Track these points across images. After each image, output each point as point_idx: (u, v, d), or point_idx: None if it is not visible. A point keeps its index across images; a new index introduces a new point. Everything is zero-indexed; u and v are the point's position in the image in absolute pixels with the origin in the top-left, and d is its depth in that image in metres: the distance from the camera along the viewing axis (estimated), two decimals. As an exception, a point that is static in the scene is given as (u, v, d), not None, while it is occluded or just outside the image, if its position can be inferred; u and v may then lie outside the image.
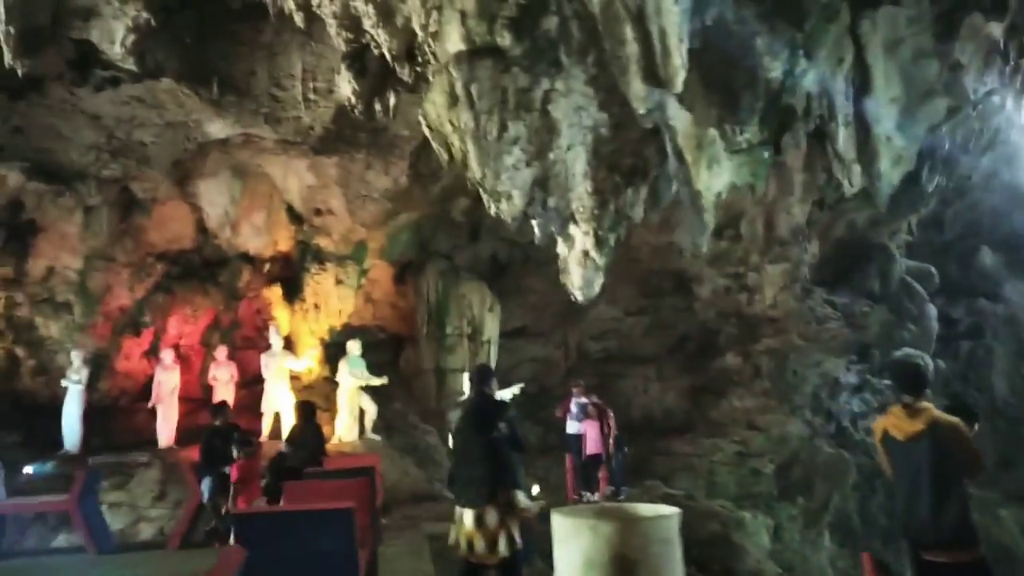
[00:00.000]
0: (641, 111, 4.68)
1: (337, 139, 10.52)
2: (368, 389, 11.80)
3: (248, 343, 12.70)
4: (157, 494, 9.79)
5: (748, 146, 5.07)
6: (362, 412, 11.75)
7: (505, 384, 11.55)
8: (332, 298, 12.34)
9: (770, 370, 16.08)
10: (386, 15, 6.87)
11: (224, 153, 10.88)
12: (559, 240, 6.15)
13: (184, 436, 11.17)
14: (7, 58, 7.14)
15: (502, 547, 3.64)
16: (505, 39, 4.92)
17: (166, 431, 10.98)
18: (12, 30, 6.99)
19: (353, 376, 11.56)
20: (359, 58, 8.13)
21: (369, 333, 13.85)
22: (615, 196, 5.87)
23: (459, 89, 5.07)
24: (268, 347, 12.20)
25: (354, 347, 11.75)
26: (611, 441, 9.28)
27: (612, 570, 3.12)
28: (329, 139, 10.38)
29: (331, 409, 12.50)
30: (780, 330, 16.50)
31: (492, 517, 3.68)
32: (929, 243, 18.82)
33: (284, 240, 12.11)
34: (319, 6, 7.25)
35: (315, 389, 12.45)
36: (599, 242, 5.91)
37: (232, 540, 3.85)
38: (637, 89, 4.50)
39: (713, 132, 4.96)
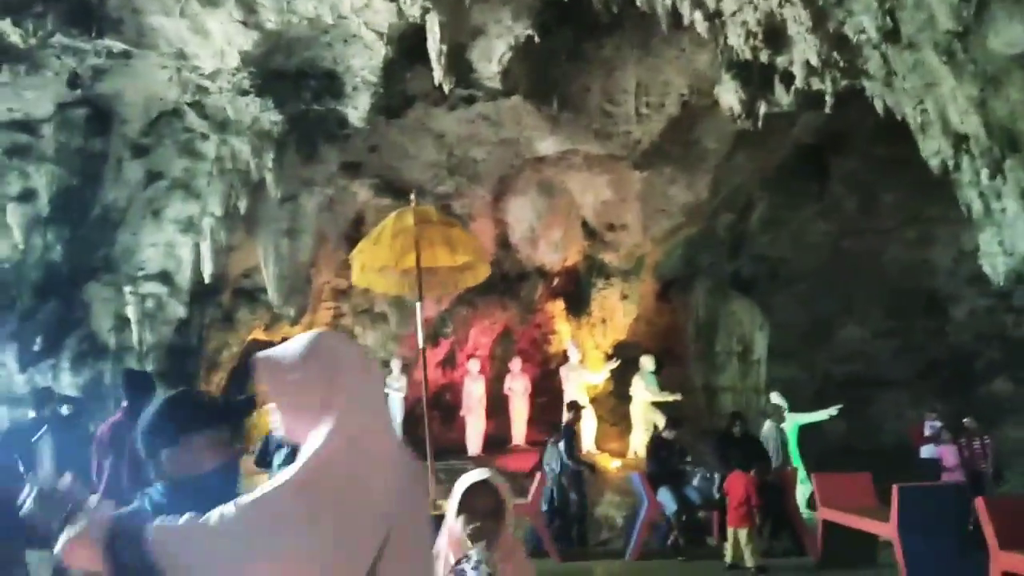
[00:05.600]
0: None
1: (654, 153, 10.58)
2: (657, 405, 11.75)
3: (524, 355, 12.91)
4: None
5: None
6: (655, 428, 11.65)
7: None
8: (618, 313, 12.41)
9: (1048, 397, 14.98)
10: (819, 19, 6.83)
11: (534, 171, 11.16)
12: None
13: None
14: (436, 76, 7.52)
15: None
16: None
17: (475, 439, 11.27)
18: (444, 48, 7.36)
19: (648, 391, 11.55)
20: (746, 67, 8.16)
21: (630, 349, 13.83)
22: None
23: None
24: (548, 359, 12.38)
25: (648, 362, 11.75)
26: (986, 465, 8.74)
27: None
28: (650, 153, 10.46)
29: (617, 424, 12.52)
30: (1055, 354, 15.37)
31: None
32: None
33: (574, 255, 12.27)
34: (733, 14, 7.29)
35: (600, 403, 12.50)
36: None
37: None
38: None
39: None
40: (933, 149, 7.05)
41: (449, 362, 12.26)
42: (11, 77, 7.51)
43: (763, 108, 8.46)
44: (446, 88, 7.61)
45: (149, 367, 9.21)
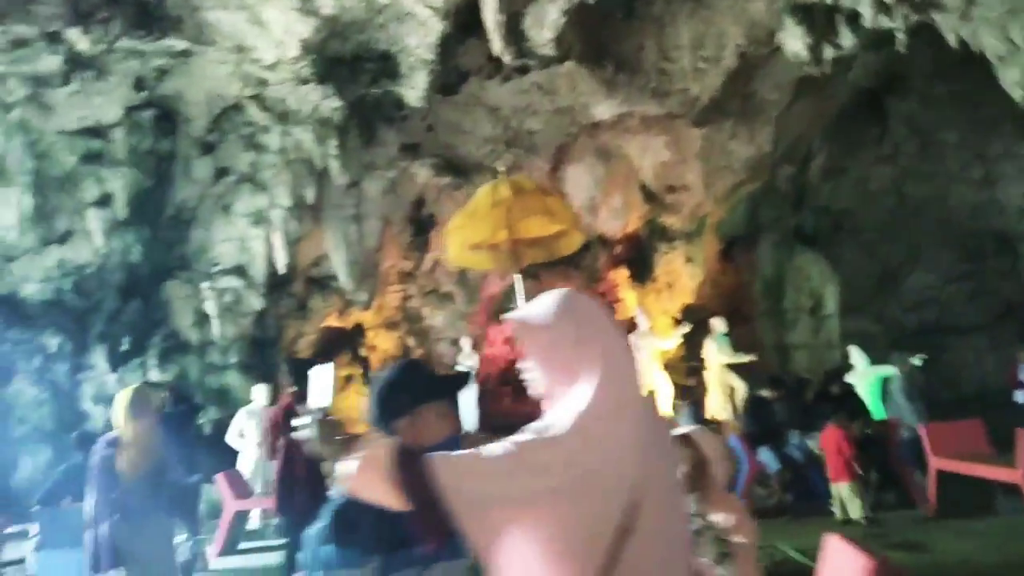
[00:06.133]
0: None
1: (713, 108, 10.36)
2: (732, 367, 11.57)
3: (588, 326, 12.86)
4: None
5: None
6: (732, 390, 11.51)
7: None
8: (683, 276, 12.25)
9: None
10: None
11: (590, 137, 11.02)
12: None
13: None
14: (495, 48, 7.45)
15: None
16: None
17: (550, 412, 11.27)
18: (503, 19, 7.27)
19: (722, 354, 11.38)
20: (809, 11, 7.91)
21: (697, 312, 13.65)
22: None
23: None
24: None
25: (719, 324, 11.54)
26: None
27: None
28: (708, 109, 10.24)
29: (692, 388, 12.41)
30: None
31: None
32: None
33: (634, 220, 12.13)
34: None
35: (672, 368, 12.40)
36: None
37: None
38: None
39: None
40: (1015, 78, 6.75)
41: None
42: (80, 85, 7.67)
43: (829, 52, 8.19)
44: (506, 59, 7.53)
45: (232, 359, 9.42)
